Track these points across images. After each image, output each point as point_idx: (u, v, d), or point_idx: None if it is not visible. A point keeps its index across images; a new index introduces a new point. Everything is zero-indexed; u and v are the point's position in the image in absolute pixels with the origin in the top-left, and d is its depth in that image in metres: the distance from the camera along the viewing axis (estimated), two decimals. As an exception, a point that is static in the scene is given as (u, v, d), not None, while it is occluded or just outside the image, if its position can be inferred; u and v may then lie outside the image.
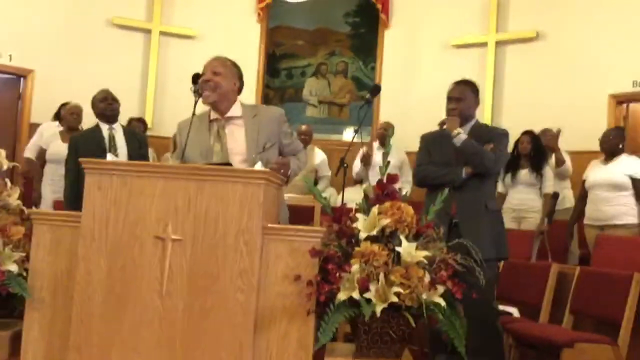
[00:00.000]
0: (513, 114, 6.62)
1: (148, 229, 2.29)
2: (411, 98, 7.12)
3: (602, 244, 4.25)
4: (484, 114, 6.77)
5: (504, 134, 3.25)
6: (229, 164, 2.54)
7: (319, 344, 2.14)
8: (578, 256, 4.95)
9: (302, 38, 7.52)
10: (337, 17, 7.47)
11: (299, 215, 3.17)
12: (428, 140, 3.35)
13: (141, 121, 6.27)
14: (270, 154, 2.74)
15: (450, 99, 3.23)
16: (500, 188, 5.13)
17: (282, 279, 2.27)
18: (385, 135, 6.00)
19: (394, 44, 7.34)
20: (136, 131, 4.93)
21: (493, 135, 3.20)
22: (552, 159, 5.30)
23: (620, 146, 4.77)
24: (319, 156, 5.92)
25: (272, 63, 7.49)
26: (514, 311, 3.63)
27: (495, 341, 3.01)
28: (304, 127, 5.88)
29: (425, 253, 2.25)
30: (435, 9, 7.22)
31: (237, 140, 2.73)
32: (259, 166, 2.50)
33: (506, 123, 6.43)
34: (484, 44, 7.04)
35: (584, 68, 6.34)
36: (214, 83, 2.72)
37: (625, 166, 4.66)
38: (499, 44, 6.98)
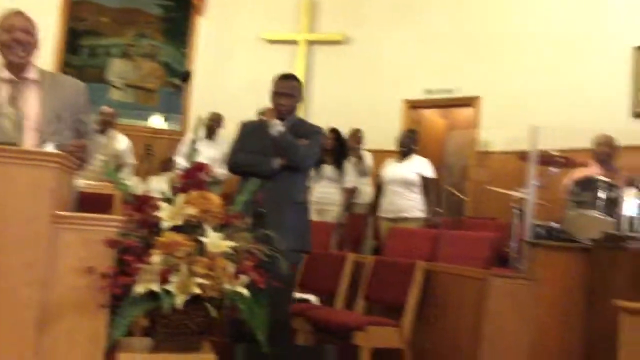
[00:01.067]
0: (320, 111, 6.92)
1: None
2: (224, 88, 7.07)
3: (393, 235, 4.62)
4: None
5: (319, 132, 3.30)
6: (14, 144, 2.27)
7: (112, 339, 2.01)
8: (372, 246, 5.34)
9: (107, 15, 7.04)
10: (147, -2, 7.14)
11: (96, 203, 2.95)
12: (247, 128, 3.32)
13: None
14: (64, 127, 2.51)
15: (280, 94, 3.19)
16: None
17: (73, 271, 2.09)
18: (213, 127, 5.94)
19: (208, 32, 7.23)
20: None
21: (310, 132, 3.22)
22: (356, 157, 5.66)
23: (413, 147, 5.26)
24: (122, 142, 5.60)
25: (73, 39, 6.90)
26: (313, 298, 3.79)
27: (286, 329, 3.07)
28: (106, 108, 5.51)
29: (230, 243, 2.22)
30: (250, 1, 7.27)
31: (30, 106, 2.46)
32: (50, 147, 2.27)
33: (313, 120, 6.67)
34: (295, 42, 7.26)
35: (384, 74, 6.87)
36: (28, 43, 2.47)
37: (416, 165, 5.15)
38: (310, 43, 7.25)
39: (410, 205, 5.06)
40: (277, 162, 3.10)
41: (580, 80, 5.83)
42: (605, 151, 4.63)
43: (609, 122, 5.28)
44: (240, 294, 2.17)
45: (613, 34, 5.73)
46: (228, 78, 7.14)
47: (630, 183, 3.98)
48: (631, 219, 3.54)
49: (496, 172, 6.02)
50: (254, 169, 3.08)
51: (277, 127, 3.12)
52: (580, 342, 3.33)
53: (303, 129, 3.22)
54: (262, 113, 3.27)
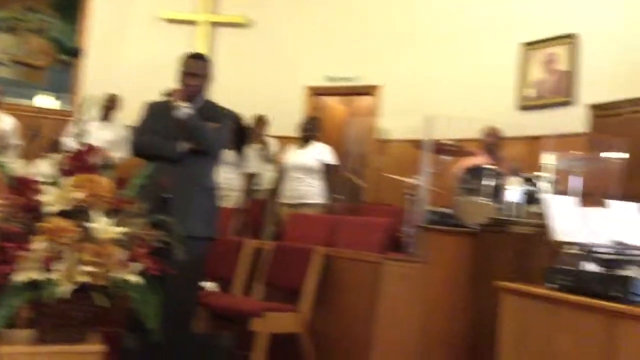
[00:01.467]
0: (222, 95, 6.76)
1: None
2: (119, 68, 6.77)
3: (293, 221, 4.65)
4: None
5: (229, 115, 3.18)
6: None
7: (-11, 332, 1.88)
8: (273, 232, 5.34)
9: (-10, -14, 6.52)
10: (36, -30, 6.68)
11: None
12: (152, 109, 3.14)
13: None
14: None
15: (188, 73, 3.04)
16: None
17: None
18: (109, 108, 5.66)
19: (102, 7, 6.86)
20: None
21: (221, 115, 3.10)
22: (260, 143, 5.63)
23: (315, 134, 5.29)
24: (6, 122, 5.22)
25: (-50, 9, 6.33)
26: (210, 285, 3.73)
27: (188, 318, 3.00)
28: None
29: (121, 229, 2.14)
30: (149, -23, 7.00)
31: None
32: None
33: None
34: (195, 23, 7.07)
35: (287, 59, 6.86)
36: None
37: (317, 152, 5.19)
38: (212, 25, 7.09)
39: (310, 191, 5.10)
40: (182, 146, 2.96)
41: (471, 73, 6.11)
42: (493, 141, 4.90)
43: (497, 114, 5.58)
44: (130, 282, 2.10)
45: (502, 30, 6.05)
46: (124, 57, 6.83)
47: (515, 171, 4.24)
48: (514, 205, 3.77)
49: (394, 160, 6.20)
50: (158, 152, 2.95)
51: (184, 109, 2.98)
52: (467, 320, 3.52)
53: (213, 112, 3.08)
54: (169, 94, 3.12)
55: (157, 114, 3.10)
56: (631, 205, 3.15)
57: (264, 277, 3.78)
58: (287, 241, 4.28)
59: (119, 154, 6.08)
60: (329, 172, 5.14)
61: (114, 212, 2.20)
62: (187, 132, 2.97)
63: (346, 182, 5.74)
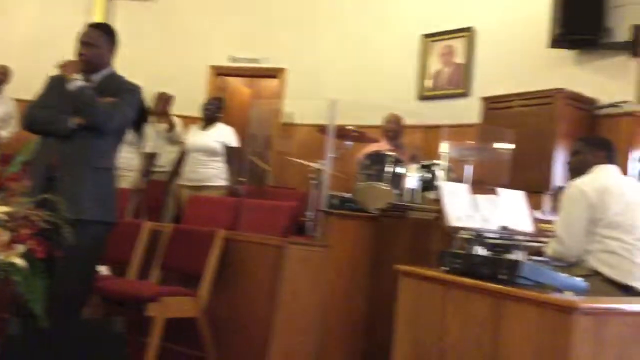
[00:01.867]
0: (121, 71, 6.47)
1: None
2: (7, 39, 6.30)
3: (193, 204, 4.54)
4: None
5: (132, 90, 2.94)
6: None
7: None
8: (173, 215, 5.20)
9: None
10: None
11: None
12: (52, 83, 2.91)
13: None
14: None
15: (82, 42, 2.86)
16: None
17: None
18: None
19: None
20: None
21: (121, 89, 2.89)
22: (166, 123, 5.44)
23: (218, 115, 5.19)
24: None
25: None
26: (103, 269, 3.57)
27: (79, 304, 2.84)
28: None
29: (3, 209, 1.99)
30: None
31: None
32: None
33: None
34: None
35: (191, 37, 6.66)
36: None
37: (220, 134, 5.09)
38: (109, -4, 6.74)
39: (212, 173, 5.00)
40: (73, 122, 2.74)
41: (375, 61, 6.24)
42: (394, 129, 5.03)
43: (399, 102, 5.74)
44: (14, 265, 1.96)
45: (405, 21, 6.21)
46: (14, 28, 6.36)
47: (414, 159, 4.39)
48: (413, 191, 3.90)
49: (299, 144, 6.22)
50: (48, 127, 2.75)
51: (75, 82, 2.77)
52: (367, 301, 3.62)
53: (114, 86, 2.88)
54: (62, 65, 2.88)
55: (54, 87, 2.88)
56: (518, 193, 3.36)
57: (160, 260, 3.66)
58: (187, 224, 4.18)
59: (9, 129, 5.66)
60: (231, 155, 5.07)
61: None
62: (76, 105, 2.77)
63: (250, 165, 5.68)
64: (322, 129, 4.23)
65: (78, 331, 2.47)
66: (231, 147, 5.08)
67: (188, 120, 5.57)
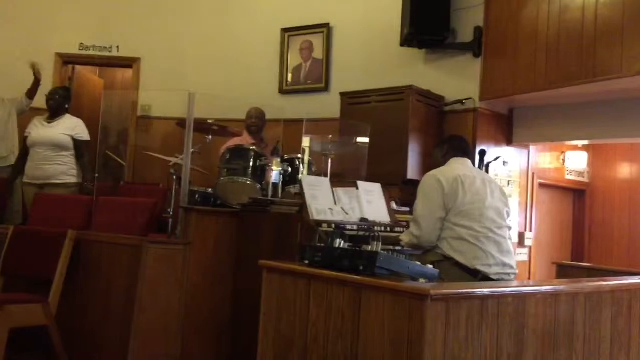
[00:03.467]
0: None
1: None
2: None
3: (40, 203, 4.20)
4: None
5: None
6: None
7: None
8: (20, 215, 4.76)
9: None
10: None
11: None
12: None
13: None
14: None
15: None
16: None
17: None
18: None
19: None
20: None
21: None
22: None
23: (66, 106, 4.83)
24: None
25: None
26: None
27: None
28: None
29: None
30: None
31: None
32: None
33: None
34: None
35: (35, 22, 6.13)
36: None
37: (68, 126, 4.74)
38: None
39: (60, 170, 4.64)
40: None
41: (236, 54, 6.18)
42: (255, 123, 5.01)
43: (260, 96, 5.74)
44: None
45: (266, 15, 6.21)
46: None
47: (275, 153, 4.39)
48: (275, 185, 3.91)
49: (158, 138, 5.98)
50: None
51: None
52: (229, 300, 3.56)
53: None
54: None
55: None
56: (376, 186, 3.49)
57: (2, 265, 3.34)
58: (33, 225, 3.85)
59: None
60: (81, 149, 4.74)
61: None
62: None
63: (105, 160, 5.36)
64: (181, 122, 4.09)
65: None
66: (81, 141, 4.75)
67: (32, 112, 5.12)
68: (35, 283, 3.20)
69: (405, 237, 2.94)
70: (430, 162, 3.25)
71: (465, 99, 5.10)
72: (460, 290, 1.98)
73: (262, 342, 2.37)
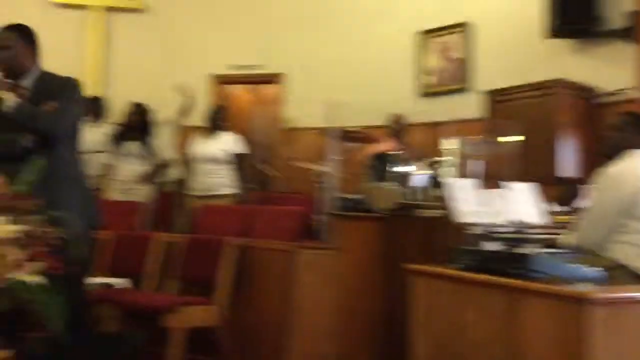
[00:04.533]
0: (121, 84, 6.52)
1: None
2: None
3: (204, 213, 4.56)
4: (90, 82, 6.50)
5: (70, 85, 2.75)
6: None
7: None
8: (184, 225, 5.20)
9: None
10: None
11: None
12: None
13: None
14: None
15: None
16: (109, 158, 5.13)
17: None
18: None
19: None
20: None
21: (59, 86, 2.71)
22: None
23: (222, 123, 5.20)
24: None
25: None
26: (124, 282, 3.59)
27: (86, 315, 2.82)
28: None
29: (16, 228, 2.00)
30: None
31: None
32: None
33: (114, 93, 6.32)
34: (88, 7, 6.71)
35: (189, 47, 6.67)
36: None
37: (225, 142, 5.11)
38: (106, 10, 6.75)
39: (220, 182, 5.02)
40: (28, 139, 2.57)
41: (373, 60, 6.23)
42: (397, 128, 5.04)
43: (399, 101, 5.76)
44: (29, 284, 1.97)
45: (400, 18, 6.21)
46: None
47: (419, 157, 4.39)
48: (420, 189, 3.91)
49: (303, 148, 6.23)
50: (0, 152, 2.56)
51: (8, 100, 2.59)
52: (382, 303, 3.62)
53: (49, 86, 2.70)
54: None
55: None
56: (527, 186, 3.35)
57: (176, 271, 3.68)
58: (199, 234, 4.20)
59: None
60: (240, 162, 5.08)
61: (7, 209, 2.06)
62: (21, 123, 2.59)
63: (256, 171, 5.69)
64: (324, 131, 4.24)
65: (97, 345, 2.48)
66: (239, 154, 5.08)
67: (191, 130, 5.58)
68: (205, 287, 3.47)
69: (567, 239, 2.74)
70: (608, 145, 2.80)
71: (621, 90, 4.72)
72: (627, 294, 1.85)
73: (413, 346, 2.38)
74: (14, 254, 1.95)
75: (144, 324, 3.15)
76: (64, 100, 2.67)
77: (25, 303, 1.97)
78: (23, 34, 2.75)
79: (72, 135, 2.76)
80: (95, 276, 3.73)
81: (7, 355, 1.96)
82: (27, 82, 2.70)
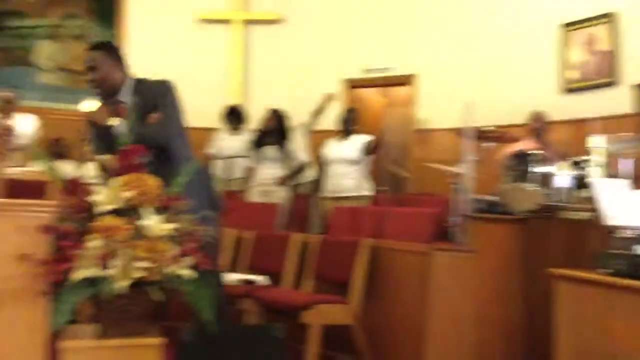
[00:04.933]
0: (261, 92, 6.86)
1: None
2: (157, 70, 6.87)
3: (337, 214, 4.66)
4: (232, 92, 6.92)
5: (167, 89, 2.81)
6: None
7: (54, 327, 1.95)
8: (319, 226, 5.36)
9: (29, -5, 6.72)
10: (72, -23, 6.85)
11: (29, 190, 2.82)
12: (95, 132, 2.83)
13: None
14: None
15: (88, 69, 2.76)
16: (249, 163, 5.46)
17: (7, 259, 2.00)
18: None
19: (138, 11, 6.98)
20: None
21: (155, 93, 2.77)
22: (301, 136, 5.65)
23: (354, 126, 5.28)
24: (27, 123, 5.01)
25: (-4, 20, 6.55)
26: (264, 279, 3.77)
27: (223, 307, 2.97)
28: (4, 93, 4.93)
29: (171, 225, 2.18)
30: (183, -21, 7.09)
31: None
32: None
33: (255, 101, 6.67)
34: (230, 21, 7.13)
35: (322, 53, 6.86)
36: None
37: (358, 144, 5.18)
38: (246, 23, 7.14)
39: (353, 184, 5.09)
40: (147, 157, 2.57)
41: (511, 57, 5.99)
42: (539, 126, 4.80)
43: (539, 98, 5.47)
44: (183, 277, 2.14)
45: (540, 12, 5.90)
46: (160, 59, 6.93)
47: (562, 156, 4.14)
48: (564, 190, 3.69)
49: (436, 149, 6.14)
50: None
51: (117, 126, 2.67)
52: (521, 309, 3.46)
53: (150, 90, 2.77)
54: (91, 114, 2.82)
55: (98, 136, 2.80)
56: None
57: (312, 270, 3.80)
58: (332, 234, 4.29)
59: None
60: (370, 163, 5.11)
61: (162, 209, 2.24)
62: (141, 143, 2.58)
63: (388, 173, 5.70)
64: (459, 132, 4.15)
65: (242, 336, 2.63)
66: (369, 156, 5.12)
67: (324, 134, 5.72)
68: (339, 286, 3.55)
69: None
70: None
71: None
72: None
73: (558, 353, 2.26)
74: (170, 249, 2.13)
75: (282, 320, 3.28)
76: (165, 106, 2.75)
77: (180, 295, 2.15)
78: (108, 51, 2.81)
79: (180, 132, 2.83)
80: (235, 272, 3.97)
81: (160, 342, 2.14)
82: (123, 95, 2.78)
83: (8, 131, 2.39)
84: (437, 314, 3.23)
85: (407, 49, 6.56)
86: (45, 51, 6.77)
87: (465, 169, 3.96)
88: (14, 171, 2.95)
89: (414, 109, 6.60)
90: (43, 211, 2.08)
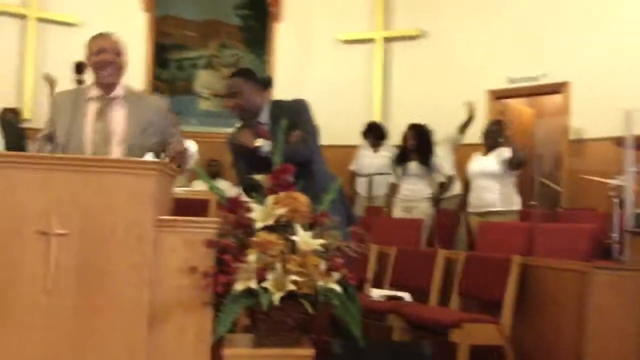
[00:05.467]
0: (401, 108, 6.89)
1: (29, 223, 2.13)
2: (304, 92, 7.17)
3: (484, 230, 4.52)
4: (373, 109, 7.03)
5: (303, 108, 2.90)
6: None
7: (217, 336, 2.11)
8: (465, 242, 5.23)
9: (190, 29, 7.37)
10: (227, 9, 7.40)
11: (192, 207, 3.09)
12: (238, 151, 2.93)
13: (14, 112, 5.91)
14: (149, 140, 2.64)
15: (227, 96, 2.93)
16: (392, 179, 5.51)
17: (177, 271, 2.21)
18: None
19: (285, 37, 7.37)
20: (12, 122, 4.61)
21: (293, 112, 2.83)
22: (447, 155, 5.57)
23: (499, 139, 5.09)
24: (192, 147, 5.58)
25: (161, 54, 7.26)
26: (406, 296, 3.76)
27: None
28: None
29: (320, 241, 2.27)
30: (325, 3, 7.35)
31: (117, 121, 2.63)
32: (149, 157, 2.41)
33: (395, 117, 6.72)
34: (371, 40, 7.26)
35: (464, 65, 6.72)
36: (118, 64, 2.65)
37: (502, 158, 4.99)
38: (386, 40, 7.23)
39: (498, 198, 4.91)
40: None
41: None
42: None
43: None
44: (332, 290, 2.21)
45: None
46: (308, 82, 7.22)
47: None
48: None
49: (591, 160, 5.75)
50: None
51: (263, 147, 2.75)
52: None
53: (286, 110, 2.83)
54: (237, 137, 2.92)
55: (239, 155, 2.92)
56: None
57: (457, 287, 3.72)
58: (480, 251, 4.18)
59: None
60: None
61: (311, 225, 2.34)
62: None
63: (540, 187, 5.41)
64: (618, 141, 3.85)
65: (390, 352, 2.65)
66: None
67: (473, 147, 5.58)
68: (486, 304, 3.44)
69: None
70: None
71: None
72: None
73: None
74: (320, 264, 2.22)
75: (428, 337, 3.24)
76: (304, 124, 2.84)
77: (331, 308, 2.22)
78: (247, 77, 2.93)
79: (317, 149, 2.93)
80: (379, 288, 4.00)
81: (311, 353, 2.22)
82: (264, 117, 2.90)
83: (183, 154, 2.61)
84: (597, 335, 3.01)
85: (556, 54, 6.22)
86: (203, 80, 7.37)
87: (626, 181, 3.67)
88: (180, 190, 3.22)
89: (566, 118, 6.23)
90: (207, 227, 2.25)
